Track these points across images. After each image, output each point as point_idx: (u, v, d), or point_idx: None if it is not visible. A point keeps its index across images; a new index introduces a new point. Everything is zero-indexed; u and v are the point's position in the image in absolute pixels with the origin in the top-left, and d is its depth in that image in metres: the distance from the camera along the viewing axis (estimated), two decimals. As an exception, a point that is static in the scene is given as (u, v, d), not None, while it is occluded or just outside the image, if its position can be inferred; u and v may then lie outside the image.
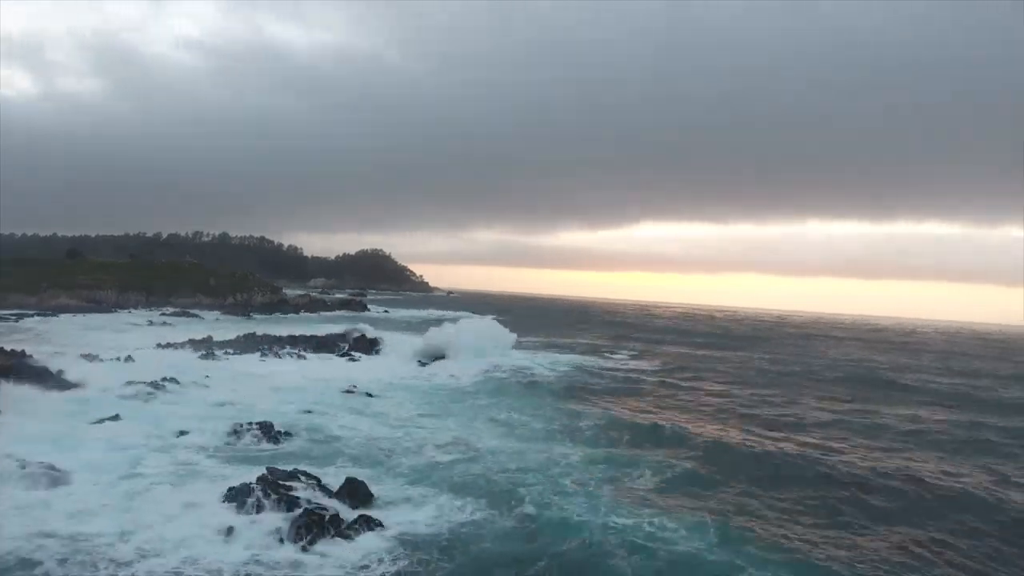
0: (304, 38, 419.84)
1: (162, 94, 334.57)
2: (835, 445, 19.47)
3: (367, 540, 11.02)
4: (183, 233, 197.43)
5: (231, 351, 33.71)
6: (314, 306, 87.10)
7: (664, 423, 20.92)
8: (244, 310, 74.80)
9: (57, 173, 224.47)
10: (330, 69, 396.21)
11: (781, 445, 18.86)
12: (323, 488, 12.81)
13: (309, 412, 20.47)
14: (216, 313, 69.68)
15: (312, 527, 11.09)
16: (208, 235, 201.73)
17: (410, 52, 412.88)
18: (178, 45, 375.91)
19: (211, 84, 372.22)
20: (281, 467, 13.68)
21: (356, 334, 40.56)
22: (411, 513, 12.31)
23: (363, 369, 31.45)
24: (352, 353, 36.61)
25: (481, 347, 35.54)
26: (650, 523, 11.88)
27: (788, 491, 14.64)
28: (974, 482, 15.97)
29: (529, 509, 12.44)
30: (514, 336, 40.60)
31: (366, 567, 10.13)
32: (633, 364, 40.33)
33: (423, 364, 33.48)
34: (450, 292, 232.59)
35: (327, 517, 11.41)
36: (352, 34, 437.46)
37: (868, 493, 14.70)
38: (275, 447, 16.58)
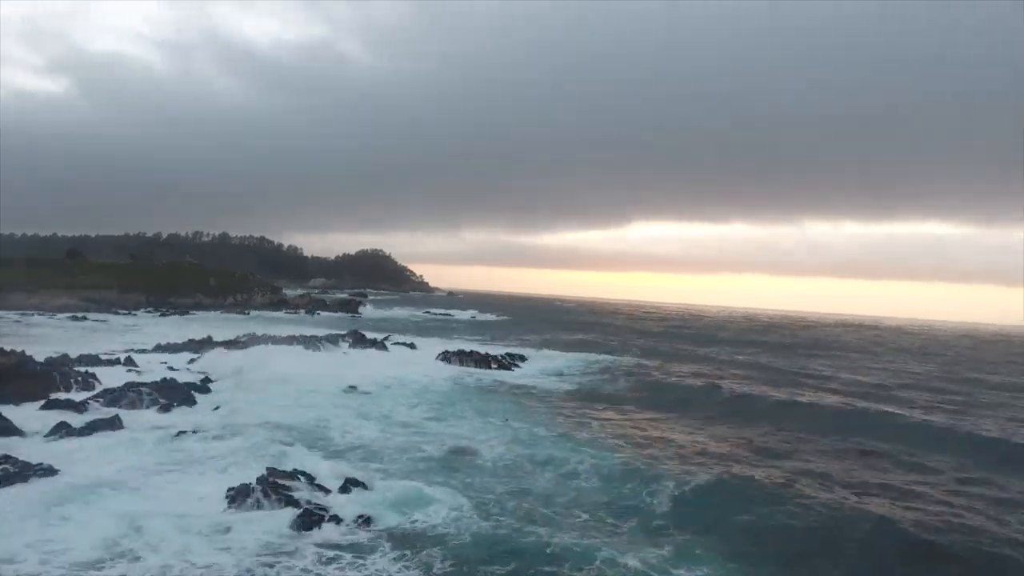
0: (295, 36, 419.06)
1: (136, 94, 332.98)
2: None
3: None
4: (183, 233, 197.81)
5: (231, 352, 33.69)
6: (314, 306, 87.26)
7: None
8: (244, 310, 74.99)
9: (56, 173, 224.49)
10: (329, 69, 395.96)
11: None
12: (321, 487, 12.88)
13: (309, 413, 20.49)
14: (216, 313, 69.82)
15: (312, 526, 11.22)
16: (208, 235, 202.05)
17: (408, 52, 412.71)
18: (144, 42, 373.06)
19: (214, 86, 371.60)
20: (281, 467, 13.74)
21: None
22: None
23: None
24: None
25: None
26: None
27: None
28: None
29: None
30: None
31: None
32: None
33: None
34: (450, 292, 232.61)
35: (326, 516, 11.54)
36: (348, 35, 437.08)
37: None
38: (274, 448, 16.58)
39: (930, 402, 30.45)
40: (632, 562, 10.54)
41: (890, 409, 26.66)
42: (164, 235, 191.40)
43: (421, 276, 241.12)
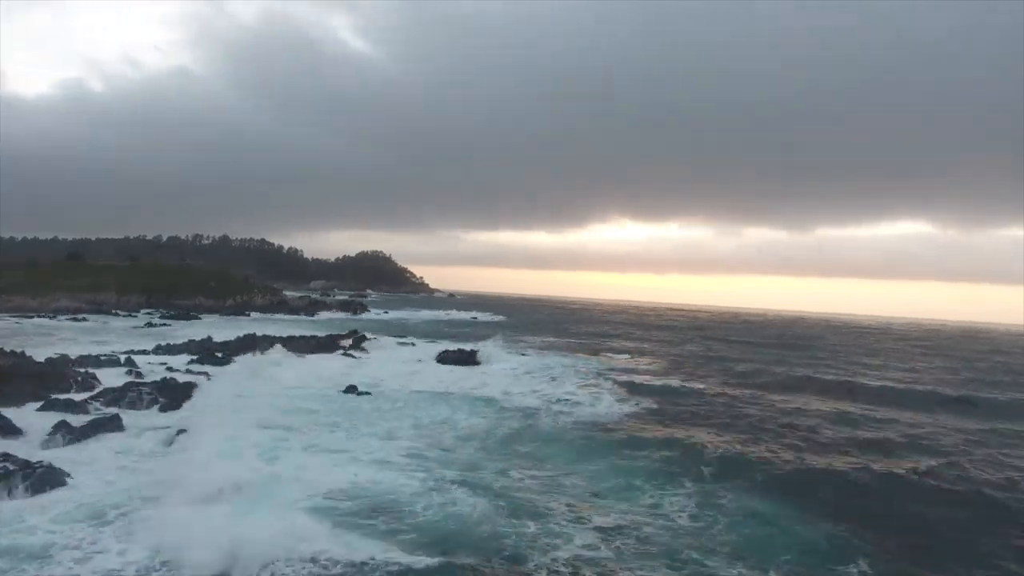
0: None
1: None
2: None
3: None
4: (184, 235, 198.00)
5: (231, 353, 33.74)
6: (314, 308, 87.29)
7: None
8: (244, 312, 75.07)
9: (56, 176, 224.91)
10: (331, 77, 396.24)
11: None
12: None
13: (309, 414, 20.51)
14: (216, 315, 69.86)
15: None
16: (208, 237, 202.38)
17: (406, 56, 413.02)
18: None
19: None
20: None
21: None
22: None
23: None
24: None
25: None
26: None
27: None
28: None
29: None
30: None
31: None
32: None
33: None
34: (451, 294, 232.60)
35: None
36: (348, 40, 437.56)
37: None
38: (272, 449, 16.57)
39: None
40: None
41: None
42: (164, 238, 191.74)
43: (421, 278, 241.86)
